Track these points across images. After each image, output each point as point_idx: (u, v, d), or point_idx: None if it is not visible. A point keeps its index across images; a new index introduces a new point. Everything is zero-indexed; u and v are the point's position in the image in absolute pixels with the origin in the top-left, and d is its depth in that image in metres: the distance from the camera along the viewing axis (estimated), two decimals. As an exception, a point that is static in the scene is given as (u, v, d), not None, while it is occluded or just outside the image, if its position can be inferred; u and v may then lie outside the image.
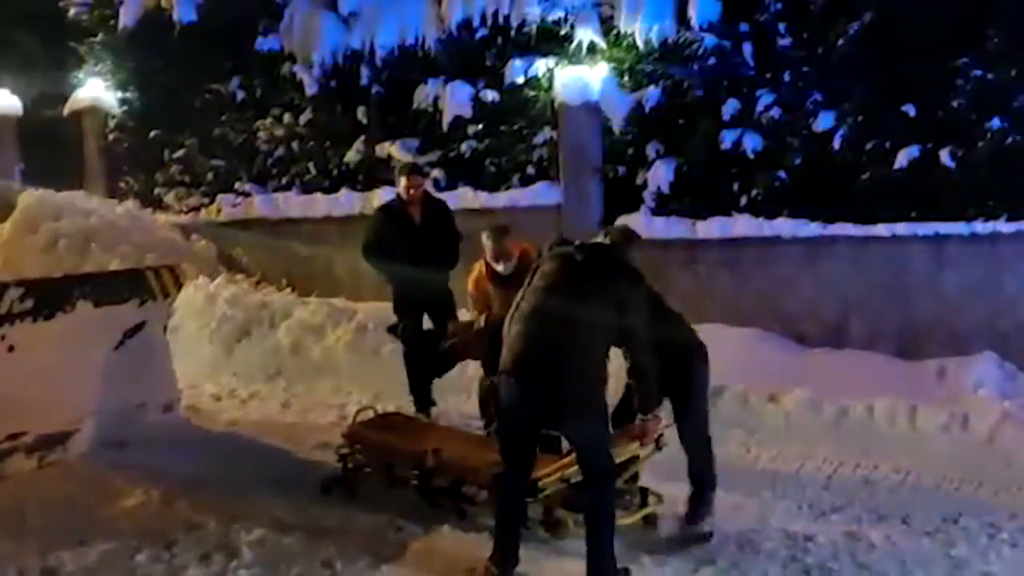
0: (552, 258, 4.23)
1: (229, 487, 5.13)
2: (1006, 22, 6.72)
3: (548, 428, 4.27)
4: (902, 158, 6.96)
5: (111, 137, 11.72)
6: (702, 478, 4.67)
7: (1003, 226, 6.62)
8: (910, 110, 7.03)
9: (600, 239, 4.42)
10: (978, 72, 6.78)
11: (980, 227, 6.67)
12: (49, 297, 5.47)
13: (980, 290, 6.73)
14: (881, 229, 6.97)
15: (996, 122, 6.72)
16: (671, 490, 4.73)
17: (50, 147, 11.64)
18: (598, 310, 4.02)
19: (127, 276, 6.53)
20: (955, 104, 6.90)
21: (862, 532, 4.74)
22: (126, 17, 10.62)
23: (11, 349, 5.23)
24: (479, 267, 5.83)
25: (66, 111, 11.66)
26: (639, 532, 4.61)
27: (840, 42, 7.27)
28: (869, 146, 7.16)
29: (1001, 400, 6.01)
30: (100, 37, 11.53)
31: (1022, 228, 6.55)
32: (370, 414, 5.44)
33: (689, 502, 4.66)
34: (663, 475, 4.80)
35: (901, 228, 6.92)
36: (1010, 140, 6.68)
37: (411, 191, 6.49)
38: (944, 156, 6.82)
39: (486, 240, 5.67)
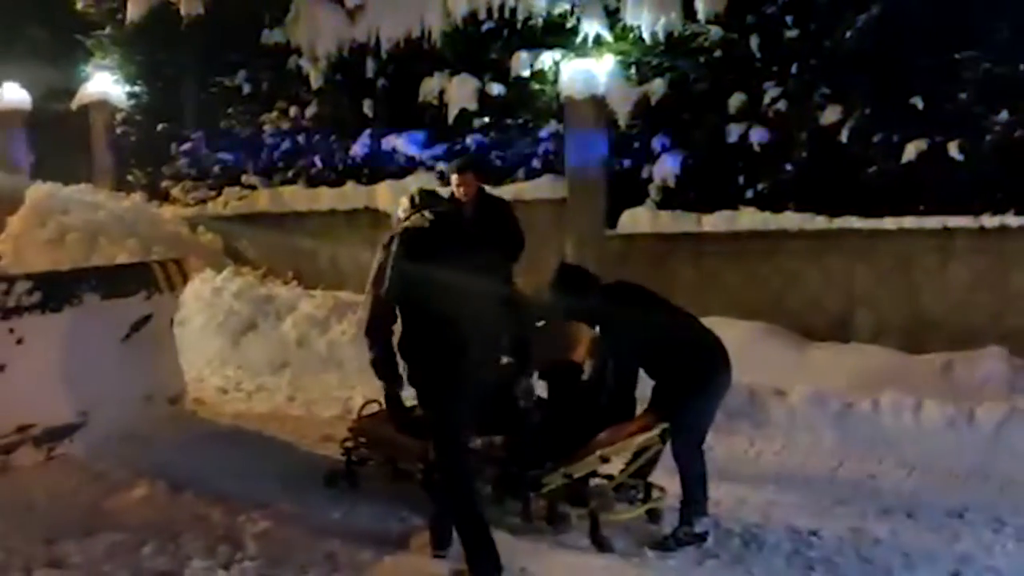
0: (437, 226, 4.07)
1: (234, 479, 5.14)
2: (1013, 14, 6.69)
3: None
4: (910, 151, 6.94)
5: (119, 131, 11.77)
6: (691, 480, 4.54)
7: (1011, 220, 6.57)
8: (918, 103, 6.99)
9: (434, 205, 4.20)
10: (986, 65, 6.74)
11: (988, 221, 6.63)
12: (57, 290, 5.48)
13: (987, 284, 6.70)
14: (888, 222, 6.94)
15: (1004, 115, 6.68)
16: (675, 485, 4.69)
17: (58, 141, 11.69)
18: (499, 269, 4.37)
19: (134, 269, 6.52)
20: (963, 97, 6.86)
21: (867, 527, 4.73)
22: (133, 11, 10.68)
23: (20, 342, 5.23)
24: None
25: (74, 105, 11.70)
26: (643, 526, 4.62)
27: (847, 34, 7.24)
28: (876, 139, 7.13)
29: (1008, 395, 5.98)
30: (108, 31, 11.60)
31: (1030, 222, 6.52)
32: (375, 407, 5.42)
33: (681, 505, 4.56)
34: (669, 469, 4.78)
35: (908, 221, 6.88)
36: (1018, 133, 6.65)
37: (459, 189, 5.83)
38: (952, 149, 6.78)
39: None
